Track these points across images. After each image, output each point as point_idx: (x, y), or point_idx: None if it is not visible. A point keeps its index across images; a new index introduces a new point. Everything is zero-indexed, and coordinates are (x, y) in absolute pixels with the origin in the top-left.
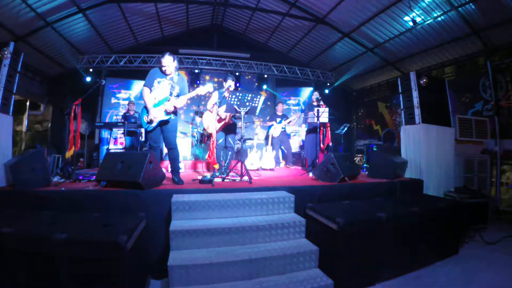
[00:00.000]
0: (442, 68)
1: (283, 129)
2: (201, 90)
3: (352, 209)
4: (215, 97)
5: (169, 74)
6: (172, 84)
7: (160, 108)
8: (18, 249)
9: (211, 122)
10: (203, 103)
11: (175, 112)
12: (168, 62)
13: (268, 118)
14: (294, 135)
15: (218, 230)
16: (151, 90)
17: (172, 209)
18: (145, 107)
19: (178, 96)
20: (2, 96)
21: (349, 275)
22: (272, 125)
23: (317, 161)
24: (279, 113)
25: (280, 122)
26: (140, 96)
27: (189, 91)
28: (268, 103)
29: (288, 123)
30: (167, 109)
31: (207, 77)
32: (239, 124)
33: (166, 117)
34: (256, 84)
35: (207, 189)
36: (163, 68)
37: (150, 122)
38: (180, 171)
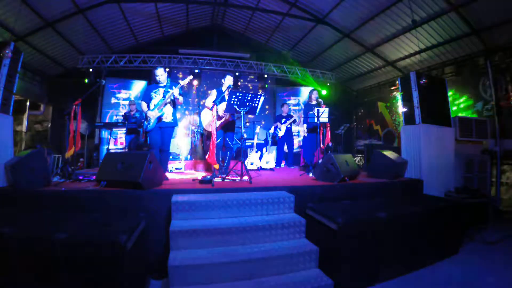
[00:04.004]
0: (442, 68)
1: (288, 129)
2: (183, 81)
3: (352, 209)
4: (214, 95)
5: (163, 82)
6: (166, 90)
7: (156, 110)
8: (18, 249)
9: (211, 120)
10: (202, 102)
11: (173, 106)
12: (161, 72)
13: (269, 118)
14: (295, 135)
15: (218, 230)
16: (149, 102)
17: (172, 209)
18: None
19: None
20: (2, 96)
21: (349, 275)
22: (277, 126)
23: (318, 161)
24: (284, 114)
25: (284, 122)
26: (140, 97)
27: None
28: (266, 106)
29: (294, 122)
30: (160, 107)
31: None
32: (239, 124)
33: (160, 113)
34: (259, 84)
35: (207, 189)
36: (157, 78)
37: (149, 122)
38: (180, 171)
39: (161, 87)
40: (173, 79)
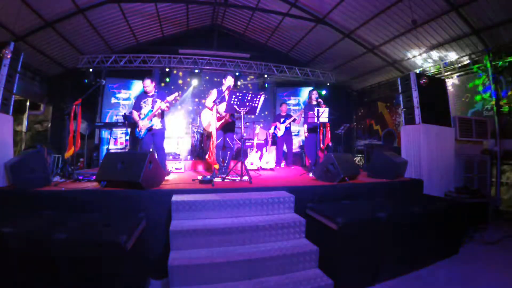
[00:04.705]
0: (442, 68)
1: (287, 129)
2: (170, 97)
3: (352, 209)
4: (214, 94)
5: (150, 92)
6: (154, 100)
7: (146, 120)
8: (18, 249)
9: (211, 120)
10: (203, 101)
11: (161, 116)
12: (147, 83)
13: (269, 118)
14: (295, 135)
15: (218, 230)
16: (139, 110)
17: (172, 209)
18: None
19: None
20: (2, 96)
21: (349, 275)
22: (276, 126)
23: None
24: (283, 114)
25: (283, 122)
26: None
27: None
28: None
29: (293, 121)
30: (150, 118)
31: (207, 77)
32: (239, 124)
33: (149, 124)
34: (259, 83)
35: (207, 189)
36: (145, 89)
37: (140, 130)
38: (180, 171)
39: (149, 97)
40: (173, 80)
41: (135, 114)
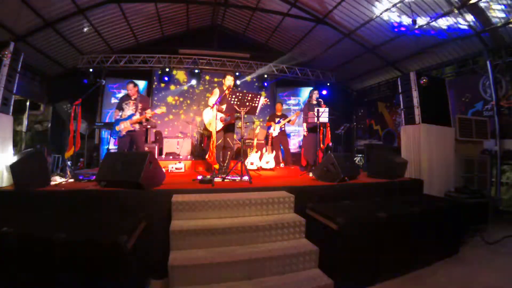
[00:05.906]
0: (442, 68)
1: (282, 129)
2: (158, 110)
3: (352, 209)
4: (216, 94)
5: (133, 96)
6: (137, 103)
7: (128, 122)
8: (18, 249)
9: (212, 120)
10: (202, 103)
11: (141, 123)
12: (130, 87)
13: (268, 118)
14: (294, 134)
15: (218, 230)
16: (121, 111)
17: (172, 209)
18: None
19: (143, 109)
20: (2, 96)
21: (349, 275)
22: (271, 125)
23: (318, 161)
24: (278, 113)
25: (278, 122)
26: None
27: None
28: (266, 100)
29: (288, 122)
30: (132, 122)
31: (207, 77)
32: (239, 124)
33: (132, 128)
34: (256, 84)
35: (207, 189)
36: (128, 92)
37: (119, 131)
38: (180, 171)
39: (131, 100)
40: (172, 80)
41: (117, 113)
